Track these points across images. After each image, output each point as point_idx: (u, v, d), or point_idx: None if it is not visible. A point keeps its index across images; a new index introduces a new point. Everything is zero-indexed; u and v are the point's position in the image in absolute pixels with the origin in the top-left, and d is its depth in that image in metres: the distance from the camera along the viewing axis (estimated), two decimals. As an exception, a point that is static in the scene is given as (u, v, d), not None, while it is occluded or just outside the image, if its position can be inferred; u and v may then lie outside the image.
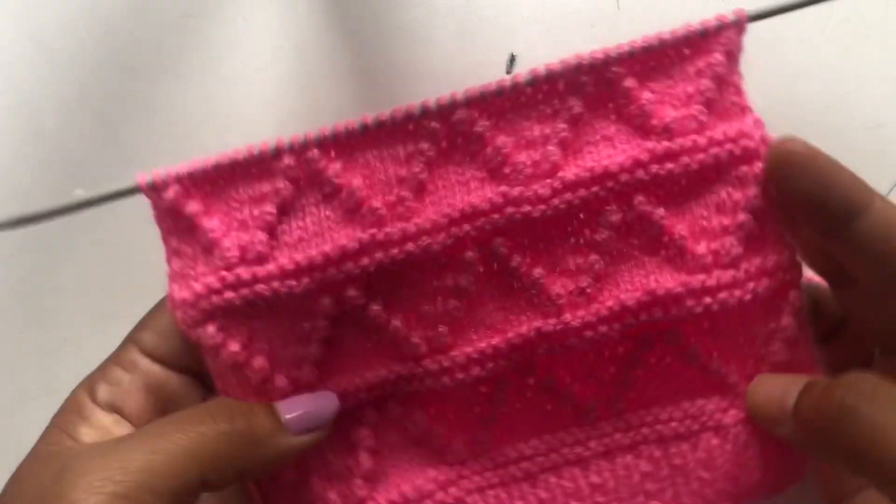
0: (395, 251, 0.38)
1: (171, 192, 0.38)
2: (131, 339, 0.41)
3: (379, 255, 0.38)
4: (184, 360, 0.41)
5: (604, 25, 0.51)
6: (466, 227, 0.38)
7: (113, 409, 0.39)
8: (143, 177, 0.38)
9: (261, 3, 0.52)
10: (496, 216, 0.38)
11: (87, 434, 0.38)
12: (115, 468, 0.33)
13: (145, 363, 0.40)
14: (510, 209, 0.38)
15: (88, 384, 0.40)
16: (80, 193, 0.51)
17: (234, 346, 0.39)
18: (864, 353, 0.41)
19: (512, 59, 0.51)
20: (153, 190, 0.38)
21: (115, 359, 0.41)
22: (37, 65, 0.52)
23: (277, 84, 0.51)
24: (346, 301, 0.39)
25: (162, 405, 0.40)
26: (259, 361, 0.39)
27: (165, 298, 0.42)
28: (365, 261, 0.38)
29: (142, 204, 0.51)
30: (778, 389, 0.38)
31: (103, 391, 0.39)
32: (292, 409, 0.38)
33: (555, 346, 0.39)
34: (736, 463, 0.40)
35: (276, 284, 0.38)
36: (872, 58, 0.50)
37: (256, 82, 0.51)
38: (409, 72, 0.51)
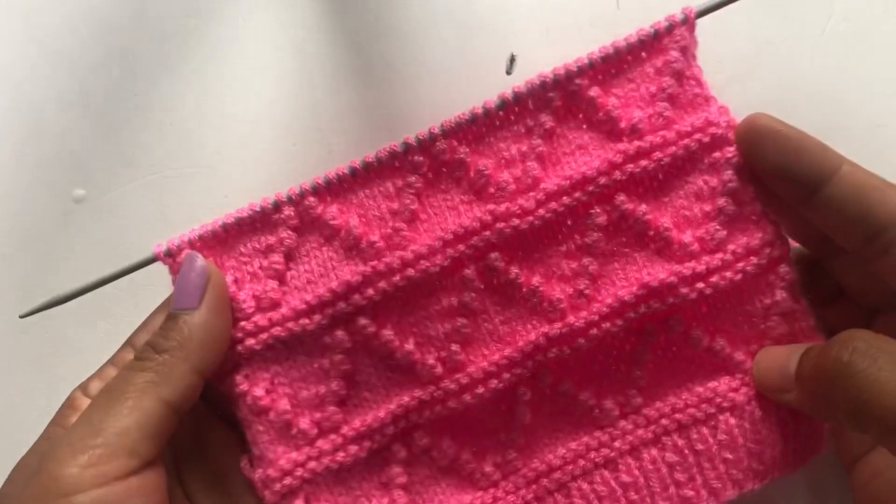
0: (396, 278, 0.41)
1: (190, 250, 0.41)
2: (128, 341, 0.42)
3: (382, 284, 0.41)
4: None
5: (604, 25, 0.51)
6: (461, 247, 0.41)
7: None
8: (159, 246, 0.41)
9: (261, 3, 0.52)
10: (487, 233, 0.41)
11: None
12: (93, 436, 0.36)
13: None
14: (500, 225, 0.40)
15: (84, 383, 0.42)
16: (80, 193, 0.52)
17: (259, 392, 0.41)
18: (864, 315, 0.41)
19: (512, 59, 0.51)
20: (169, 256, 0.41)
21: (112, 359, 0.42)
22: (37, 65, 0.52)
23: (277, 84, 0.51)
24: (358, 331, 0.41)
25: None
26: (282, 405, 0.41)
27: (165, 301, 0.42)
28: (370, 291, 0.41)
29: (142, 203, 0.51)
30: (780, 358, 0.38)
31: (95, 386, 0.41)
32: (178, 301, 0.39)
33: (564, 350, 0.41)
34: (756, 440, 0.40)
35: (290, 325, 0.41)
36: (872, 58, 0.50)
37: (256, 82, 0.51)
38: (409, 72, 0.51)
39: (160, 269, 0.49)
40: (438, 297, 0.41)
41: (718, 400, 0.41)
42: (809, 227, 0.40)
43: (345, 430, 0.41)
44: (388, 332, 0.41)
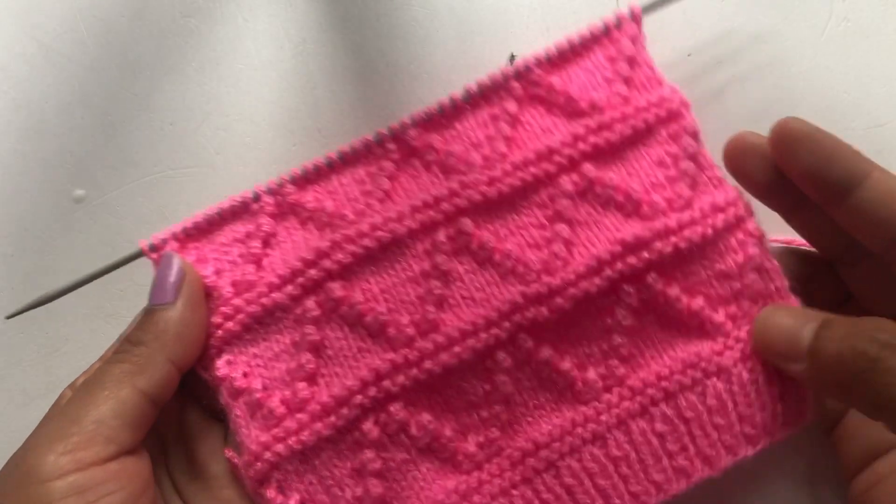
0: (366, 241, 0.41)
1: (169, 249, 0.42)
2: (119, 339, 0.43)
3: (351, 247, 0.41)
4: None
5: (604, 25, 0.51)
6: (431, 212, 0.41)
7: None
8: (144, 242, 0.43)
9: (261, 2, 0.52)
10: (457, 199, 0.41)
11: None
12: (70, 426, 0.37)
13: None
14: (469, 192, 0.41)
15: (74, 382, 0.42)
16: (80, 193, 0.52)
17: (236, 374, 0.41)
18: None
19: (512, 59, 0.51)
20: (154, 251, 0.42)
21: (102, 357, 0.43)
22: (37, 65, 0.52)
23: (277, 84, 0.51)
24: (328, 297, 0.41)
25: None
26: (255, 385, 0.41)
27: None
28: (339, 255, 0.41)
29: (142, 203, 0.51)
30: (789, 325, 0.37)
31: (81, 381, 0.41)
32: (154, 297, 0.41)
33: (541, 311, 0.40)
34: (746, 403, 0.40)
35: (264, 300, 0.41)
36: (872, 58, 0.50)
37: (256, 82, 0.51)
38: (409, 72, 0.51)
39: (160, 269, 0.49)
40: (410, 262, 0.42)
41: (703, 364, 0.40)
42: (826, 229, 0.40)
43: (311, 406, 0.40)
44: (357, 296, 0.41)
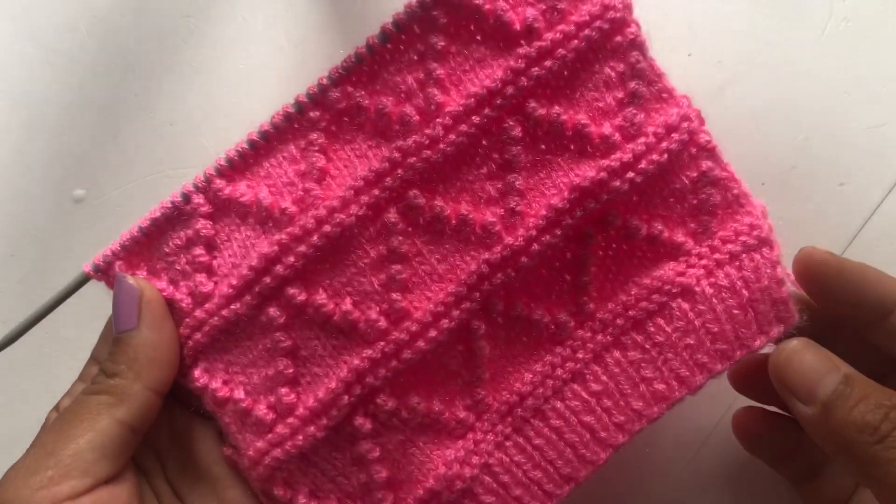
0: (314, 239, 0.39)
1: (116, 269, 0.40)
2: (92, 356, 0.43)
3: (301, 248, 0.39)
4: None
5: (604, 25, 0.51)
6: (375, 191, 0.39)
7: None
8: (87, 265, 0.41)
9: (261, 2, 0.52)
10: (400, 172, 0.39)
11: None
12: (46, 458, 0.36)
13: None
14: (411, 160, 0.39)
15: (57, 404, 0.42)
16: (80, 193, 0.52)
17: (216, 384, 0.40)
18: None
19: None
20: (99, 272, 0.40)
21: (79, 376, 0.42)
22: (37, 65, 0.52)
23: (277, 84, 0.51)
24: (289, 302, 0.39)
25: None
26: (238, 394, 0.40)
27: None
28: (290, 259, 0.39)
29: (142, 203, 0.51)
30: (813, 367, 0.37)
31: (65, 403, 0.41)
32: (118, 324, 0.40)
33: (508, 273, 0.39)
34: (713, 319, 0.39)
35: (224, 312, 0.40)
36: (872, 58, 0.50)
37: (256, 82, 0.51)
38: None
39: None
40: (365, 249, 0.40)
41: (667, 287, 0.39)
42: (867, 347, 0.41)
43: (300, 410, 0.39)
44: (320, 297, 0.39)
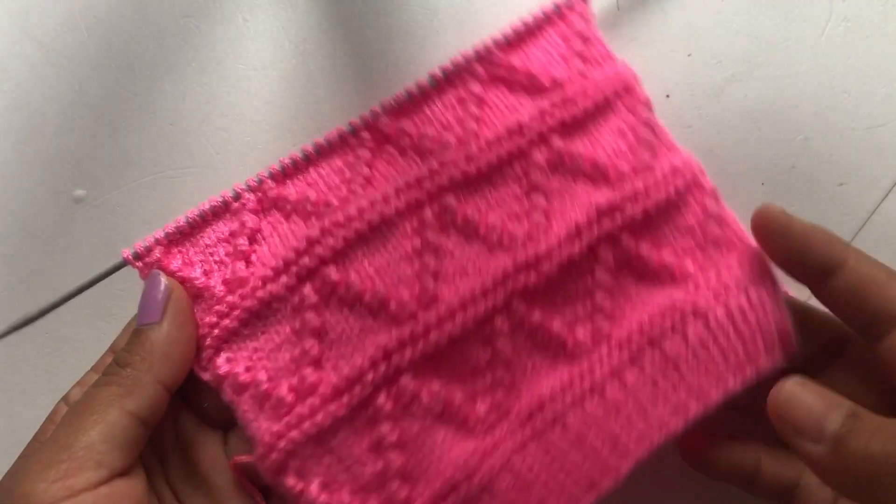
0: (355, 224, 0.42)
1: (154, 256, 0.43)
2: (110, 347, 0.43)
3: (342, 231, 0.42)
4: None
5: (604, 25, 0.51)
6: (414, 192, 0.43)
7: None
8: (126, 251, 0.43)
9: (261, 2, 0.52)
10: (438, 178, 0.43)
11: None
12: (59, 452, 0.36)
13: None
14: (449, 170, 0.44)
15: (66, 394, 0.42)
16: (80, 193, 0.52)
17: (238, 370, 0.41)
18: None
19: (512, 59, 0.51)
20: (138, 259, 0.43)
21: (95, 366, 0.43)
22: (37, 65, 0.52)
23: (277, 84, 0.51)
24: (325, 282, 0.42)
25: None
26: (260, 377, 0.41)
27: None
28: (330, 241, 0.42)
29: (142, 203, 0.51)
30: (815, 404, 0.36)
31: (75, 393, 0.42)
32: (141, 317, 0.41)
33: (531, 276, 0.42)
34: (725, 337, 0.41)
35: (260, 293, 0.42)
36: (872, 58, 0.50)
37: (256, 82, 0.51)
38: (409, 72, 0.51)
39: (160, 269, 0.49)
40: (401, 241, 0.43)
41: (680, 307, 0.41)
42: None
43: (321, 389, 0.40)
44: (354, 277, 0.42)
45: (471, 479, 0.40)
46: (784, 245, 0.40)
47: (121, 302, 0.50)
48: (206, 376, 0.42)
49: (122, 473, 0.38)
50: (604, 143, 0.45)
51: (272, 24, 0.52)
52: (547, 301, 0.43)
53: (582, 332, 0.42)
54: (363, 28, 0.51)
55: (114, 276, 0.50)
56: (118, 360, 0.40)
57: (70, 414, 0.39)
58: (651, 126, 0.45)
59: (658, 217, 0.44)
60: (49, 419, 0.41)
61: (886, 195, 0.49)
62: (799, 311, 0.42)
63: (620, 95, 0.45)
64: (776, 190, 0.49)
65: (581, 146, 0.45)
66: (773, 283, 0.42)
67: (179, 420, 0.43)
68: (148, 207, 0.51)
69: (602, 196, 0.43)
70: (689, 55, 0.50)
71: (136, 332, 0.40)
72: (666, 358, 0.41)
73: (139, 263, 0.42)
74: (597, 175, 0.44)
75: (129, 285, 0.50)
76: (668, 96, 0.50)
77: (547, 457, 0.40)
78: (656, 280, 0.43)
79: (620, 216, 0.43)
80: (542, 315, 0.42)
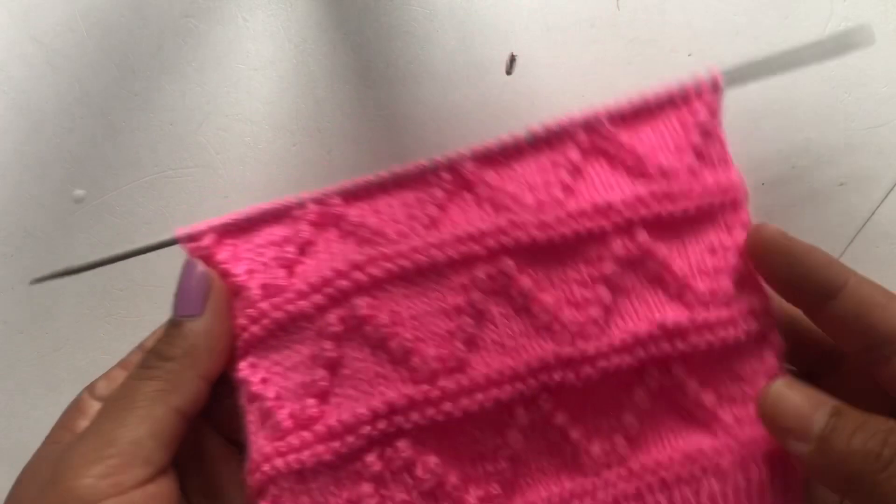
0: (402, 261, 0.40)
1: (205, 242, 0.41)
2: (140, 346, 0.43)
3: (387, 264, 0.40)
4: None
5: (604, 25, 0.51)
6: (474, 245, 0.40)
7: None
8: (180, 229, 0.42)
9: (261, 2, 0.52)
10: (502, 238, 0.40)
11: (84, 426, 0.39)
12: (105, 447, 0.36)
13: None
14: (516, 232, 0.40)
15: (91, 385, 0.41)
16: (80, 193, 0.52)
17: (255, 379, 0.40)
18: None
19: (512, 59, 0.51)
20: (190, 241, 0.41)
21: (121, 363, 0.42)
22: (37, 65, 0.52)
23: (277, 84, 0.51)
24: (353, 314, 0.40)
25: None
26: (269, 393, 0.40)
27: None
28: (372, 270, 0.40)
29: (142, 203, 0.51)
30: (801, 404, 0.37)
31: (101, 386, 0.41)
32: (181, 308, 0.39)
33: (569, 375, 0.39)
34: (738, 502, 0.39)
35: (289, 307, 0.40)
36: (872, 58, 0.50)
37: (256, 82, 0.51)
38: (409, 72, 0.51)
39: (161, 269, 0.49)
40: (444, 294, 0.40)
41: (703, 461, 0.39)
42: (808, 338, 0.41)
43: (318, 426, 0.39)
44: (384, 318, 0.40)
45: None
46: (782, 267, 0.38)
47: (121, 302, 0.50)
48: (231, 371, 0.41)
49: (164, 471, 0.37)
50: (691, 255, 0.41)
51: (272, 24, 0.52)
52: (575, 404, 0.40)
53: (598, 449, 0.40)
54: (363, 28, 0.51)
55: (114, 276, 0.50)
56: (160, 354, 0.38)
57: (112, 408, 0.38)
58: (744, 258, 0.41)
59: (718, 355, 0.40)
60: (76, 409, 0.40)
61: (886, 195, 0.49)
62: (797, 324, 0.42)
63: (725, 210, 0.41)
64: (776, 190, 0.49)
65: (666, 250, 0.41)
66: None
67: (201, 431, 0.42)
68: (148, 207, 0.51)
69: (671, 314, 0.40)
70: (689, 55, 0.50)
71: (176, 324, 0.39)
72: None
73: (190, 244, 0.41)
74: (673, 289, 0.41)
75: (129, 285, 0.50)
76: (668, 96, 0.50)
77: None
78: (690, 420, 0.40)
79: (682, 344, 0.39)
80: (565, 419, 0.40)
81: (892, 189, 0.49)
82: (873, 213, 0.48)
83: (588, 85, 0.50)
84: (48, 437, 0.39)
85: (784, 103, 0.49)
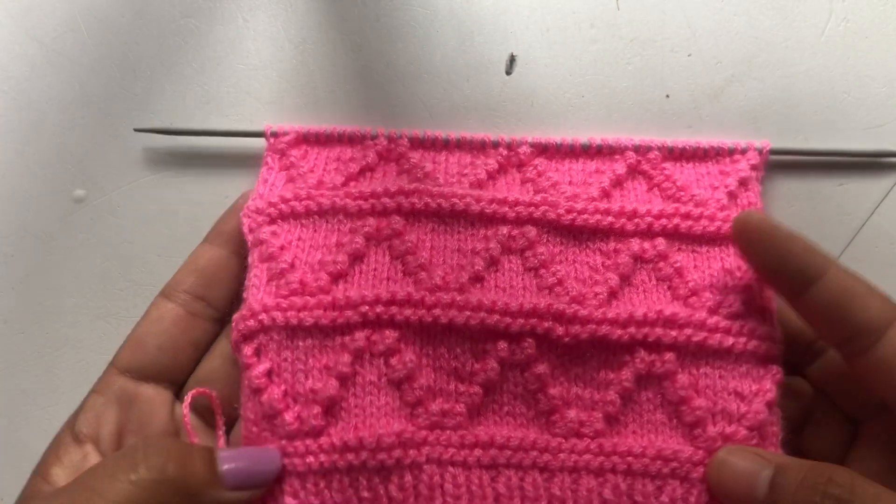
0: (441, 201, 0.45)
1: (286, 139, 0.47)
2: (112, 361, 0.43)
3: (427, 199, 0.45)
4: (154, 369, 0.43)
5: (603, 25, 0.51)
6: (507, 209, 0.45)
7: (91, 438, 0.41)
8: (269, 126, 0.48)
9: (261, 2, 0.52)
10: (533, 210, 0.45)
11: (57, 475, 0.39)
12: None
13: (119, 381, 0.42)
14: (545, 208, 0.45)
15: (71, 419, 0.41)
16: (80, 193, 0.52)
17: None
18: (849, 428, 0.42)
19: (512, 59, 0.51)
20: (274, 136, 0.48)
21: (95, 386, 0.42)
22: (37, 65, 0.52)
23: (277, 84, 0.51)
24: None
25: (135, 418, 0.42)
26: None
27: (143, 318, 0.44)
28: (415, 200, 0.45)
29: (142, 203, 0.51)
30: (746, 469, 0.37)
31: (81, 423, 0.41)
32: (231, 461, 0.37)
33: (557, 327, 0.41)
34: None
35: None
36: (872, 58, 0.50)
37: (256, 82, 0.51)
38: (409, 72, 0.51)
39: (161, 269, 0.49)
40: (467, 238, 0.45)
41: (675, 464, 0.40)
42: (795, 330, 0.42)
43: (324, 296, 0.42)
44: (411, 237, 0.44)
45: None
46: (765, 251, 0.39)
47: (121, 302, 0.50)
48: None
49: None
50: (705, 271, 0.44)
51: (272, 24, 0.52)
52: (560, 365, 0.42)
53: (574, 415, 0.41)
54: (363, 28, 0.51)
55: (113, 276, 0.50)
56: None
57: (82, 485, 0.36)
58: (757, 285, 0.43)
59: (715, 364, 0.42)
60: (54, 454, 0.40)
61: (886, 195, 0.49)
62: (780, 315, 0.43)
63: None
64: (776, 190, 0.49)
65: (682, 260, 0.44)
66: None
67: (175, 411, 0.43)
68: (148, 207, 0.51)
69: (671, 309, 0.42)
70: (689, 55, 0.50)
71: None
72: (630, 495, 0.40)
73: (273, 140, 0.47)
74: (680, 292, 0.44)
75: (129, 285, 0.50)
76: (667, 96, 0.50)
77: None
78: (674, 417, 0.42)
79: (676, 334, 0.42)
80: (546, 372, 0.42)
81: (891, 189, 0.49)
82: (873, 213, 0.48)
83: (588, 85, 0.50)
84: (28, 485, 0.39)
85: (784, 103, 0.49)
